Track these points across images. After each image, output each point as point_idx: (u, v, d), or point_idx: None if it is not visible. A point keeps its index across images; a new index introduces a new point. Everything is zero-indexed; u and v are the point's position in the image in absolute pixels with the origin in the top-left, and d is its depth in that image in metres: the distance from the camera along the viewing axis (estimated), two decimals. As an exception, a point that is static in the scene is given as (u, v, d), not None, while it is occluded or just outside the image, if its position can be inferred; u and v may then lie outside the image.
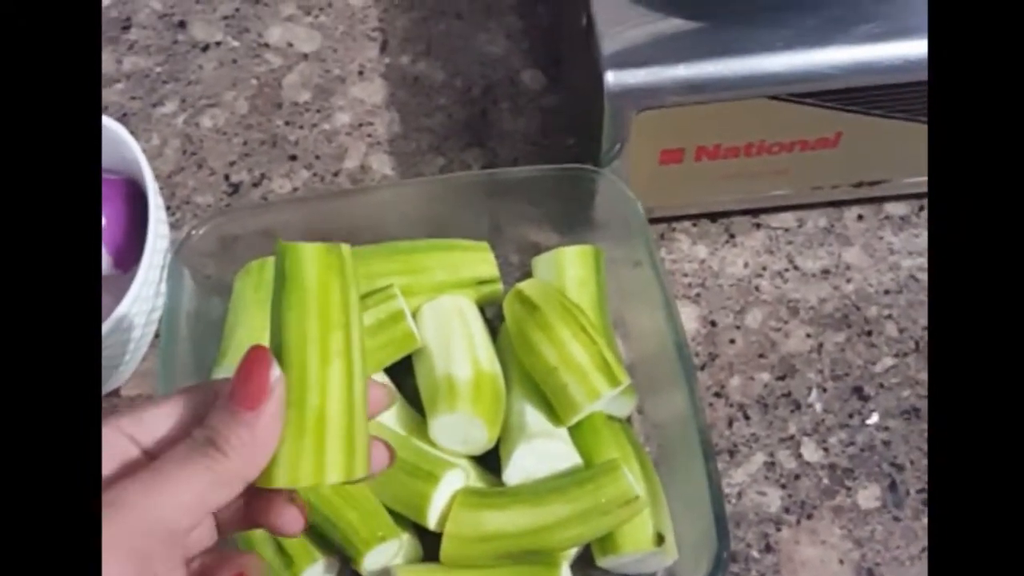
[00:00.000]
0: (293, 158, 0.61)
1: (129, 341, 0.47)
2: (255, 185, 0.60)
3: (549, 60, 0.64)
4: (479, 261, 0.52)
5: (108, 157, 0.51)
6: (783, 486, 0.51)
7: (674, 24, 0.48)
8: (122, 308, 0.45)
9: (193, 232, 0.49)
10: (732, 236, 0.58)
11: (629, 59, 0.47)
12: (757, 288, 0.56)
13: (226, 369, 0.47)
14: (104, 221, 0.49)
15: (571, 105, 0.61)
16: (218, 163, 0.60)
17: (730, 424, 0.53)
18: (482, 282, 0.52)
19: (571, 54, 0.58)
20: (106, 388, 0.50)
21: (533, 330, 0.47)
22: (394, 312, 0.48)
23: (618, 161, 0.51)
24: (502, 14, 0.66)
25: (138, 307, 0.46)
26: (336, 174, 0.60)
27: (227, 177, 0.60)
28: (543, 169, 0.53)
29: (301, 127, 0.62)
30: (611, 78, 0.47)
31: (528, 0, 0.67)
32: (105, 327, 0.44)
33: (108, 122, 0.50)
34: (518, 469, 0.45)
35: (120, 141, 0.50)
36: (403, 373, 0.50)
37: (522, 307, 0.48)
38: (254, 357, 0.31)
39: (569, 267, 0.51)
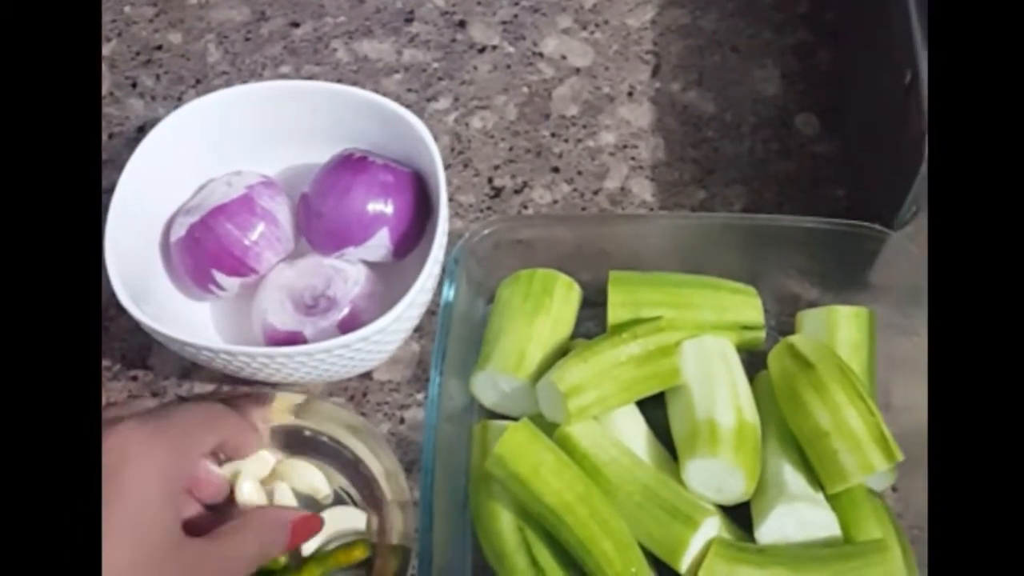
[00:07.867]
0: (555, 170, 0.61)
1: (400, 330, 0.48)
2: (516, 192, 0.60)
3: (826, 107, 0.62)
4: (746, 305, 0.51)
5: (401, 148, 0.53)
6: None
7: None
8: (408, 297, 0.46)
9: (474, 234, 0.50)
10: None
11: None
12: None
13: (488, 373, 0.48)
14: (392, 209, 0.51)
15: (850, 157, 0.59)
16: (483, 165, 0.61)
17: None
18: (745, 327, 0.50)
19: (866, 107, 0.56)
20: (361, 369, 0.52)
21: (805, 389, 0.45)
22: (664, 346, 0.47)
23: (911, 226, 0.49)
24: (780, 54, 0.65)
25: (421, 297, 0.47)
26: (596, 192, 0.60)
27: (490, 180, 0.61)
28: (822, 221, 0.51)
29: (566, 140, 0.62)
30: (933, 141, 0.45)
31: (809, 43, 0.65)
32: (393, 314, 0.45)
33: (407, 115, 0.52)
34: (773, 529, 0.44)
35: (417, 138, 0.51)
36: (652, 406, 0.50)
37: (793, 362, 0.47)
38: (312, 527, 0.44)
39: (842, 328, 0.49)
